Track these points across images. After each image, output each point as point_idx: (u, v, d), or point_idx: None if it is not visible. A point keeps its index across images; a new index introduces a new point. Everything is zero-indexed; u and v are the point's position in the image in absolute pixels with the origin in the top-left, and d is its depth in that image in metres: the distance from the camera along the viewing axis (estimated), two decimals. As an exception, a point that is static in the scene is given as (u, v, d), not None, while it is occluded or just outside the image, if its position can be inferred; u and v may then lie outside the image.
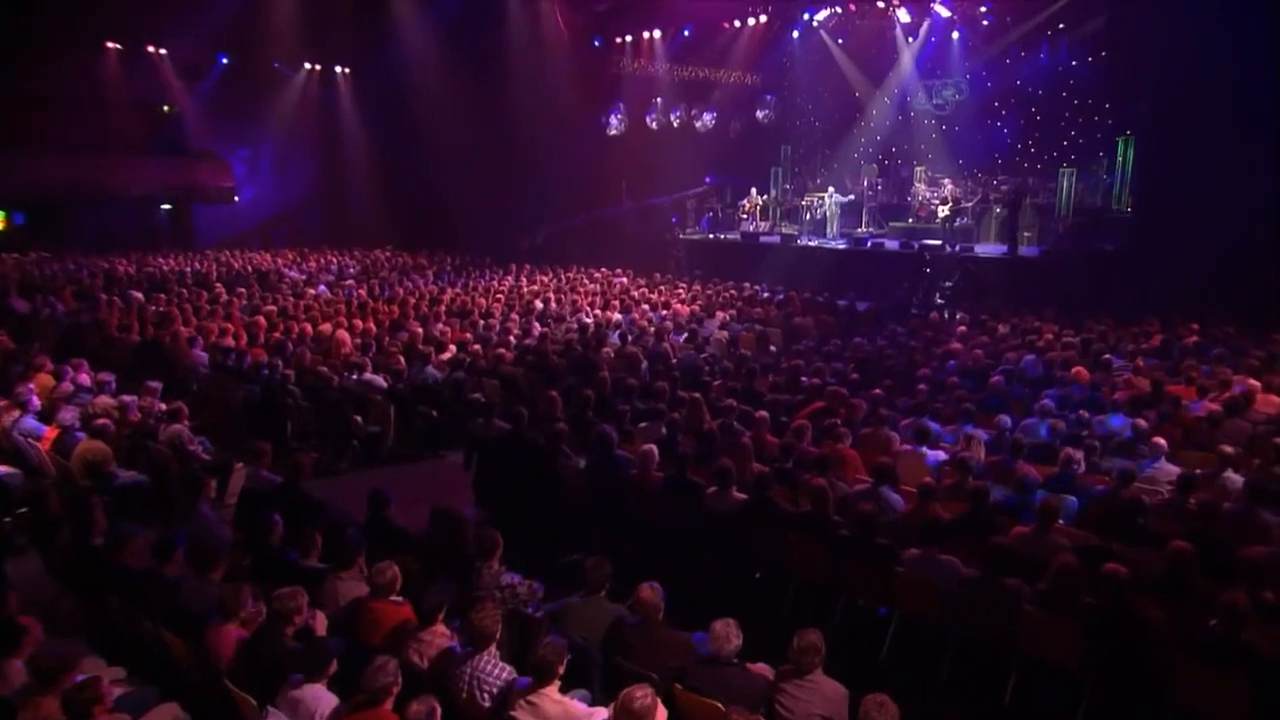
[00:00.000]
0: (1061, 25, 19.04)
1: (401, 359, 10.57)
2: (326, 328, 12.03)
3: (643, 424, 8.29)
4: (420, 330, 12.01)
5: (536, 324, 13.37)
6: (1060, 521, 6.07)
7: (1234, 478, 6.53)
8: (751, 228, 21.56)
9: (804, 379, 9.31)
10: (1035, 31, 19.43)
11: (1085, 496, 6.40)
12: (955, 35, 20.60)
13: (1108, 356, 10.29)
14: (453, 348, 11.37)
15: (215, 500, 7.26)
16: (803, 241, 20.25)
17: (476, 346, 11.31)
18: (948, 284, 15.79)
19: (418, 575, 5.20)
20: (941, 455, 7.32)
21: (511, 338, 12.26)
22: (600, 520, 7.08)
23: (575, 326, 13.04)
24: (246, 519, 6.26)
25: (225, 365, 10.30)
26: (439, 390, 10.03)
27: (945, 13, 19.92)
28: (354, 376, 9.92)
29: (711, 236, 22.16)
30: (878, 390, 8.47)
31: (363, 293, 15.65)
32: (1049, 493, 6.45)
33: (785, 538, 6.05)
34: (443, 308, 14.23)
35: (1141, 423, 7.53)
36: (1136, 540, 5.64)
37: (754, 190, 22.13)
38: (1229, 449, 6.83)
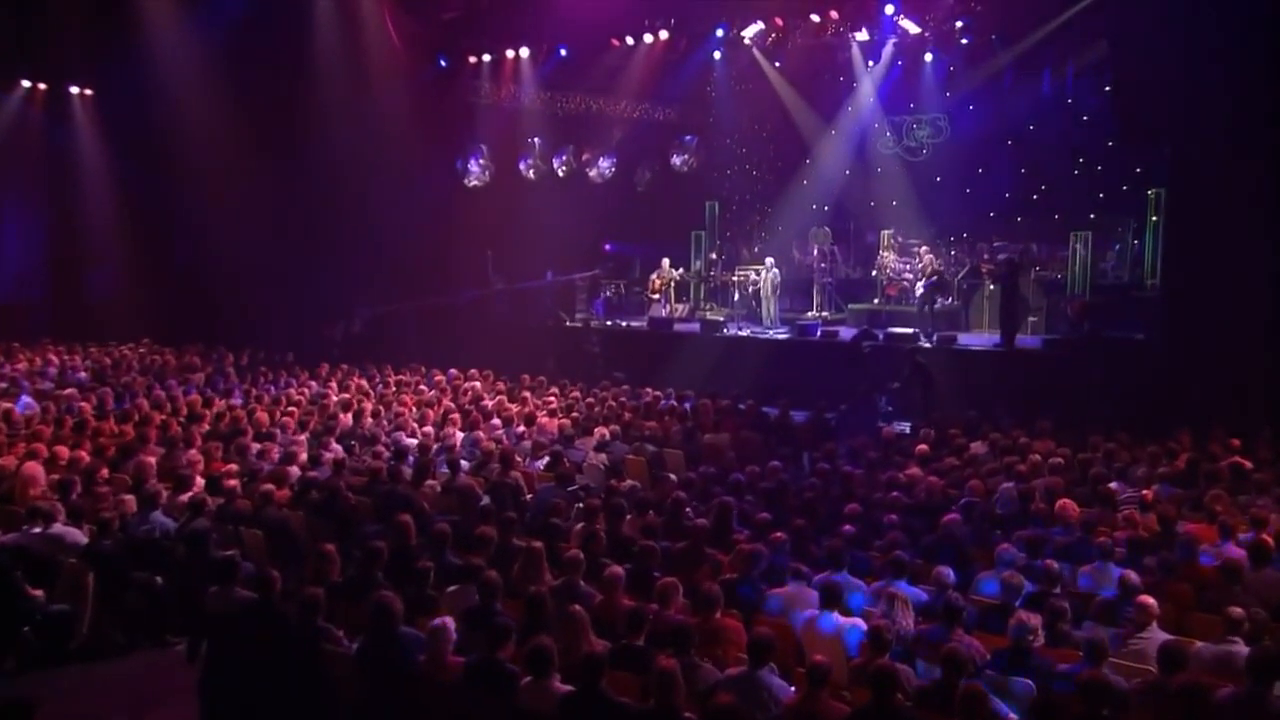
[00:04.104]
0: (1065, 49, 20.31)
1: (125, 501, 10.36)
2: (9, 460, 11.73)
3: (451, 587, 8.24)
4: (153, 460, 11.76)
5: (335, 446, 13.22)
6: (1011, 715, 6.21)
7: (1242, 651, 6.71)
8: (663, 312, 22.10)
9: (689, 516, 9.42)
10: (1032, 54, 20.55)
11: (1043, 678, 6.51)
12: (928, 58, 21.83)
13: (1112, 485, 10.66)
14: (201, 483, 11.18)
15: None
16: (731, 331, 20.80)
17: (234, 481, 11.13)
18: (895, 384, 16.32)
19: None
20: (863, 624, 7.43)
21: (294, 468, 12.11)
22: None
23: (391, 450, 12.96)
24: None
25: None
26: (169, 547, 9.81)
27: (913, 28, 20.94)
28: (36, 530, 9.64)
29: (609, 324, 22.59)
30: (779, 534, 8.59)
31: (87, 406, 15.32)
32: (996, 673, 6.58)
33: (620, 748, 6.00)
34: (204, 426, 14.02)
35: (1131, 575, 7.75)
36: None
37: (666, 262, 22.76)
38: (1238, 611, 7.03)
